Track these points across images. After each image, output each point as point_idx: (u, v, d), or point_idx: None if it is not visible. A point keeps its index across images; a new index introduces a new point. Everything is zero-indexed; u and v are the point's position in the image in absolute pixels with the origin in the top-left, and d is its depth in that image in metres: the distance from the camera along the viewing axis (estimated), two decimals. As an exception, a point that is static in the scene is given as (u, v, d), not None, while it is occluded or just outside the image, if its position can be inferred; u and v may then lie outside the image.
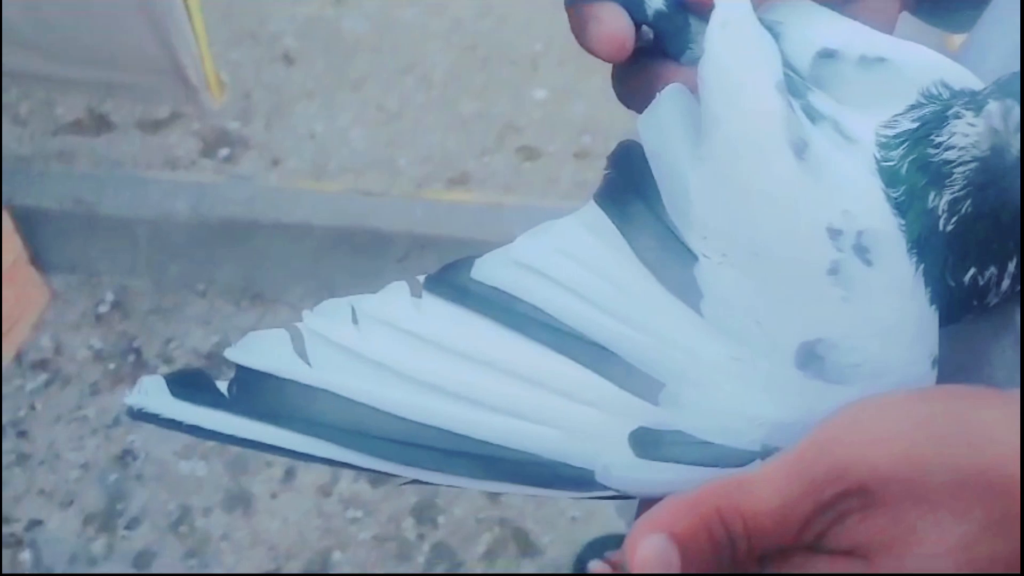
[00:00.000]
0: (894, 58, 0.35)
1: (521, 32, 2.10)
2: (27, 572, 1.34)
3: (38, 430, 1.48)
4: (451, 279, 0.34)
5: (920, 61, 0.35)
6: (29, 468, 1.44)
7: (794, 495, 0.28)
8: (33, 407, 1.51)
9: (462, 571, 1.38)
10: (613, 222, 0.34)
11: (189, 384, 0.33)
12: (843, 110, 0.34)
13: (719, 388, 0.31)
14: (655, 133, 0.34)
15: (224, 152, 1.84)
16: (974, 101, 0.31)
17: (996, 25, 0.39)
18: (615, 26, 0.35)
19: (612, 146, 0.38)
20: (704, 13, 0.35)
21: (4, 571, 1.34)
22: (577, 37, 0.37)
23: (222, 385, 0.33)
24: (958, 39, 0.47)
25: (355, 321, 0.34)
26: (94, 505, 1.41)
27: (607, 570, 1.33)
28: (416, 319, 0.34)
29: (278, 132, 1.88)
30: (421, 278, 0.34)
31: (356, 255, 1.66)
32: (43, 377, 1.55)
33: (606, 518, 1.43)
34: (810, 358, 0.31)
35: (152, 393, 0.33)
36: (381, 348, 0.33)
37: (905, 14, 0.44)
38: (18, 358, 1.56)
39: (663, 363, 0.32)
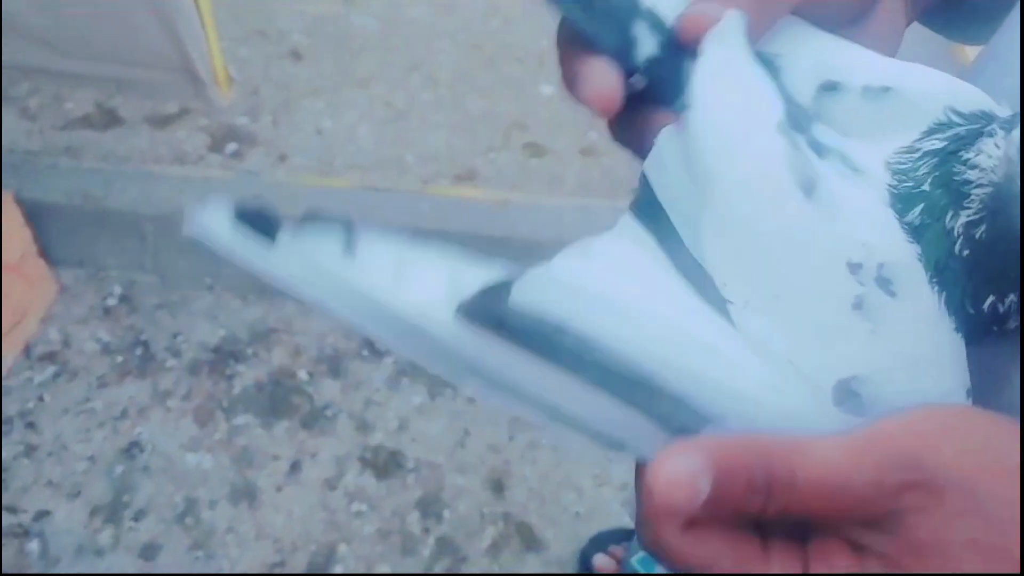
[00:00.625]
0: (899, 86, 0.34)
1: (527, 30, 2.11)
2: (34, 561, 1.34)
3: (46, 422, 1.49)
4: (488, 308, 0.32)
5: (927, 87, 0.34)
6: (37, 459, 1.45)
7: (855, 472, 0.27)
8: (41, 399, 1.52)
9: (466, 565, 1.38)
10: (652, 235, 0.33)
11: (253, 219, 0.33)
12: (849, 142, 0.33)
13: (762, 426, 0.30)
14: (661, 179, 0.33)
15: (232, 148, 1.85)
16: (1009, 122, 0.31)
17: (1016, 36, 0.38)
18: (601, 84, 0.34)
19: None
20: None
21: (12, 558, 1.34)
22: (567, 90, 0.36)
23: (284, 232, 0.33)
24: (971, 51, 0.46)
25: (396, 277, 0.33)
26: (101, 497, 1.42)
27: (611, 566, 1.35)
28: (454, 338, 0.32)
29: (285, 128, 1.89)
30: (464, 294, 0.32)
31: (362, 251, 1.66)
32: (51, 370, 1.55)
33: (609, 513, 1.44)
34: (847, 395, 0.30)
35: (217, 215, 0.33)
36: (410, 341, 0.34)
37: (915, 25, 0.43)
38: (26, 351, 1.57)
39: (709, 397, 0.30)
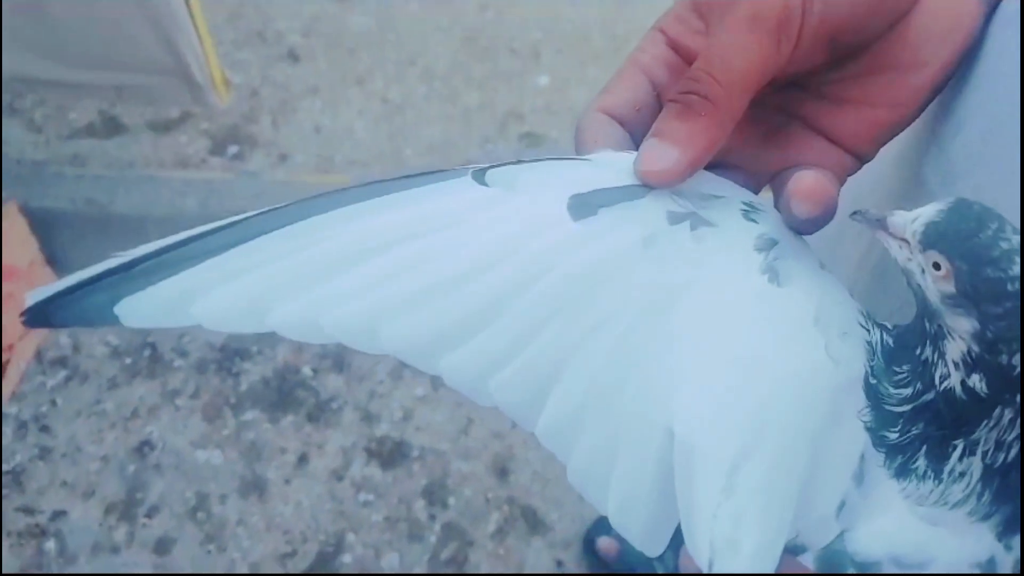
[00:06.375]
0: None
1: (521, 22, 2.12)
2: (52, 560, 1.38)
3: (59, 425, 1.53)
4: None
5: None
6: (52, 461, 1.49)
7: None
8: (54, 403, 1.56)
9: (472, 550, 1.40)
10: None
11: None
12: None
13: None
14: None
15: (233, 150, 1.88)
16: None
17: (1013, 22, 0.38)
18: None
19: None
20: None
21: (31, 558, 1.38)
22: None
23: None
24: None
25: None
26: (115, 495, 1.45)
27: (616, 547, 1.37)
28: None
29: (285, 128, 1.92)
30: None
31: (362, 245, 1.69)
32: (63, 374, 1.59)
33: (613, 495, 1.45)
34: None
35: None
36: None
37: None
38: (38, 356, 1.60)
39: None
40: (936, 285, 0.31)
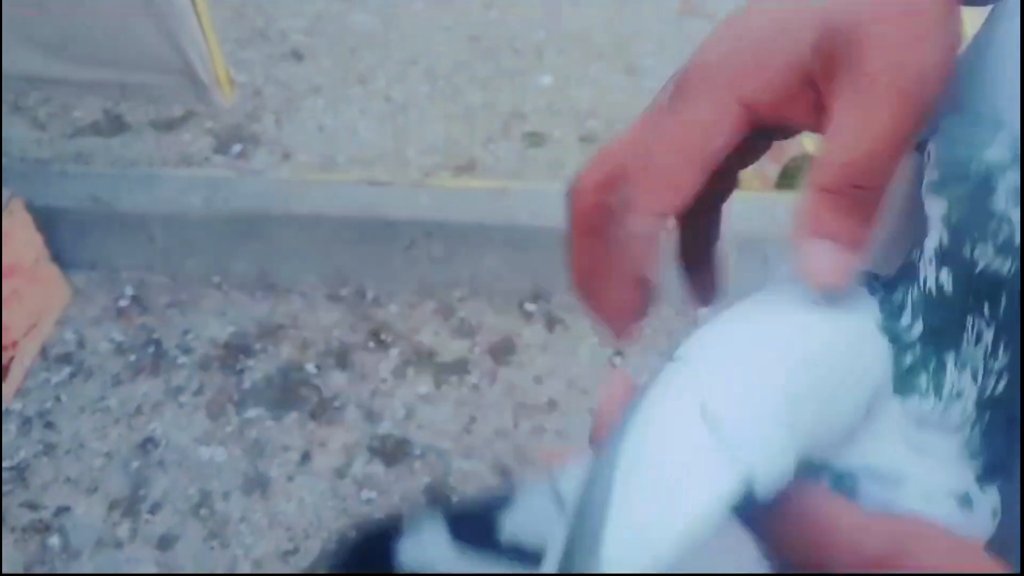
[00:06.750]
0: None
1: (524, 21, 2.13)
2: (56, 555, 1.39)
3: (64, 421, 1.54)
4: None
5: None
6: (56, 457, 1.50)
7: None
8: (58, 399, 1.56)
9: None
10: None
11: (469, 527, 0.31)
12: None
13: None
14: None
15: (237, 148, 1.89)
16: None
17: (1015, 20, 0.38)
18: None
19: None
20: None
21: (35, 553, 1.39)
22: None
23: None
24: (970, 26, 0.45)
25: None
26: (118, 491, 1.46)
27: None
28: None
29: (288, 127, 1.92)
30: None
31: (365, 243, 1.69)
32: (67, 370, 1.60)
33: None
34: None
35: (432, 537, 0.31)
36: None
37: None
38: (43, 353, 1.61)
39: None
40: (927, 175, 0.32)
